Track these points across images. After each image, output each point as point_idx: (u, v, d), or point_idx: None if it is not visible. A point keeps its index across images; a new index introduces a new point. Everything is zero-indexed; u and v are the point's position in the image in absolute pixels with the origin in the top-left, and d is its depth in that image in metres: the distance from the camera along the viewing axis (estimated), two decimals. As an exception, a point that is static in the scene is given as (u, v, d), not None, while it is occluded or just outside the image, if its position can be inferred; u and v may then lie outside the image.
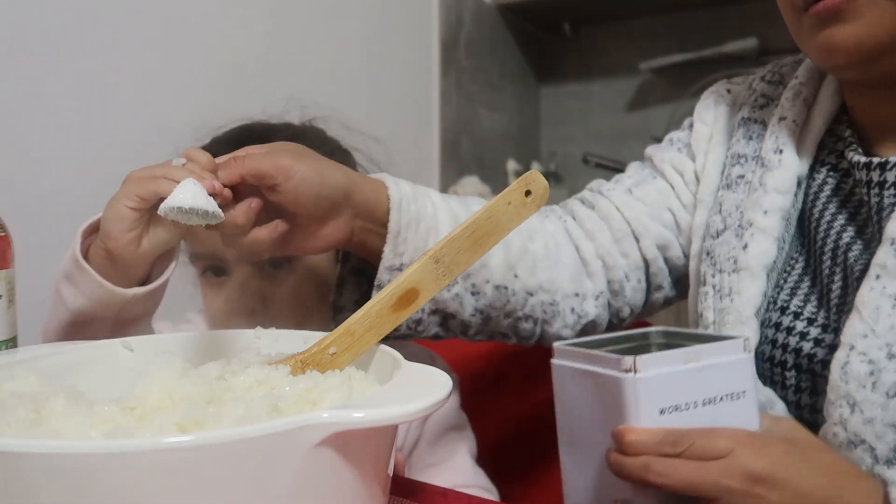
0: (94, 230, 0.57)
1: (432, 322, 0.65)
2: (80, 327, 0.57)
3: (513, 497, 0.81)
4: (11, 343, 0.54)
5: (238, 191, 0.54)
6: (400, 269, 0.61)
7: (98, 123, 1.08)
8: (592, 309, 0.71)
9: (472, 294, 0.65)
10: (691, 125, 0.74)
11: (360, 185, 0.59)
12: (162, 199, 0.50)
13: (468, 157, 1.96)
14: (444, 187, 1.86)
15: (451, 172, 1.89)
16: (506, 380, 1.01)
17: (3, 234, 0.53)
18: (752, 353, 0.48)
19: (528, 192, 0.51)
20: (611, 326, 0.75)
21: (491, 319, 0.67)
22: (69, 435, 0.36)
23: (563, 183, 2.22)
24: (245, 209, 0.54)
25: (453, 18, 1.88)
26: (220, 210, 0.50)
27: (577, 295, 0.70)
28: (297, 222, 0.58)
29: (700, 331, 0.50)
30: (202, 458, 0.30)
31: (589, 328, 0.72)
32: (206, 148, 0.75)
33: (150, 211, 0.53)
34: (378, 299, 0.49)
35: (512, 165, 2.11)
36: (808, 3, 0.54)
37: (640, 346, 0.52)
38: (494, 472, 0.80)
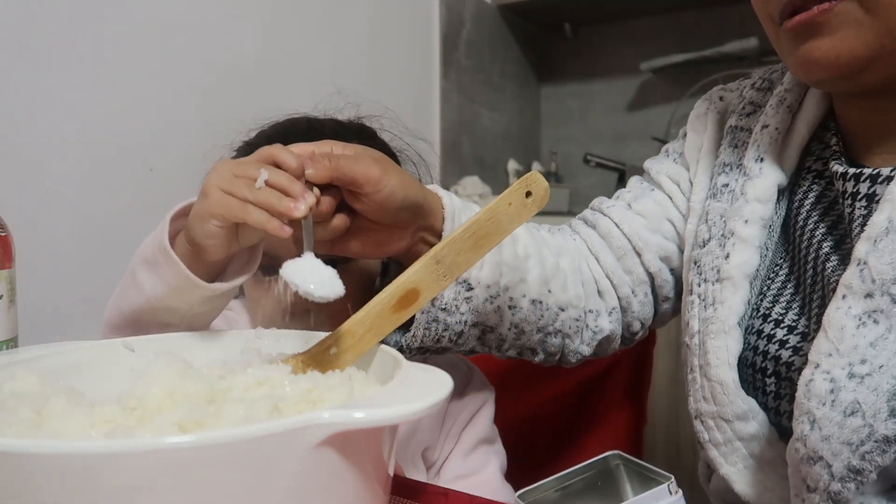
0: (181, 215, 0.55)
1: (472, 335, 0.65)
2: (153, 314, 0.56)
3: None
4: (12, 343, 0.54)
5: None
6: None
7: (98, 123, 1.08)
8: (607, 325, 0.72)
9: (510, 308, 0.65)
10: (685, 134, 0.75)
11: (430, 198, 0.60)
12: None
13: (469, 157, 1.96)
14: (445, 187, 1.85)
15: (452, 172, 1.89)
16: (506, 381, 1.01)
17: (3, 233, 0.53)
18: (680, 494, 0.48)
19: (528, 194, 0.51)
20: (623, 341, 0.76)
21: (524, 334, 0.67)
22: (70, 435, 0.36)
23: (563, 183, 2.22)
24: (329, 199, 0.54)
25: (454, 18, 1.88)
26: (342, 286, 0.49)
27: (591, 311, 0.71)
28: (363, 225, 0.58)
29: (648, 466, 0.50)
30: (203, 459, 0.30)
31: (604, 343, 0.73)
32: (253, 143, 0.75)
33: None
34: (379, 300, 0.49)
35: (513, 165, 2.11)
36: (783, 17, 0.54)
37: (601, 472, 0.52)
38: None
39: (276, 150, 0.51)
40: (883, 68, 0.52)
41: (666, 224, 0.72)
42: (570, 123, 2.31)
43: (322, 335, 0.49)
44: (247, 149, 0.77)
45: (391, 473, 0.41)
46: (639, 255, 0.72)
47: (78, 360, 0.49)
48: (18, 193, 0.98)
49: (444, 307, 0.62)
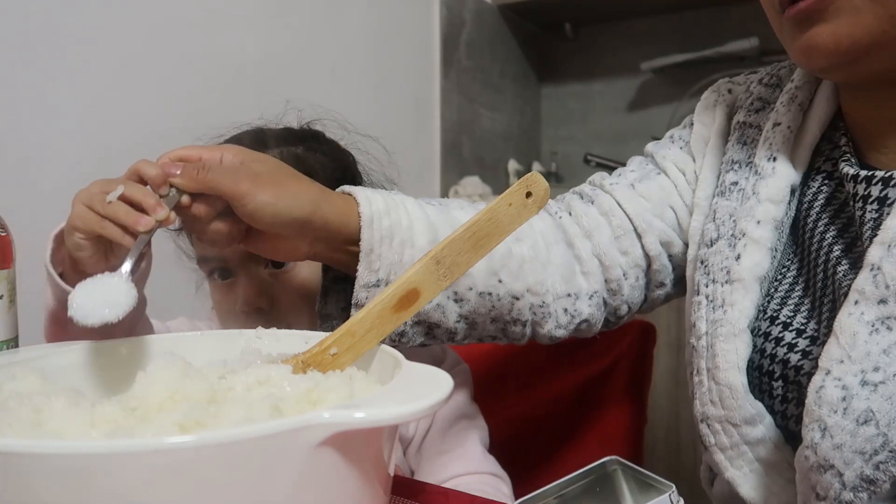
0: (62, 235, 0.56)
1: (417, 332, 0.64)
2: (60, 326, 0.57)
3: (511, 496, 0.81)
4: (12, 343, 0.54)
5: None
6: (377, 285, 0.60)
7: (98, 123, 1.08)
8: (586, 308, 0.69)
9: (455, 301, 0.63)
10: (692, 124, 0.73)
11: (323, 210, 0.58)
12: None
13: (469, 157, 1.96)
14: (445, 187, 1.86)
15: (452, 172, 1.89)
16: (505, 381, 1.01)
17: (3, 233, 0.53)
18: (681, 503, 0.47)
19: (528, 194, 0.51)
20: (607, 324, 0.73)
21: (477, 325, 0.66)
22: (70, 435, 0.36)
23: (564, 183, 2.22)
24: (207, 206, 0.55)
25: (454, 18, 1.88)
26: (131, 300, 0.47)
27: (569, 295, 0.68)
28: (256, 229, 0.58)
29: (647, 472, 0.50)
30: (203, 459, 0.30)
31: (583, 327, 0.71)
32: None
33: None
34: (379, 300, 0.49)
35: (513, 165, 2.11)
36: (783, 4, 0.53)
37: (599, 478, 0.52)
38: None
39: (139, 164, 0.53)
40: (886, 57, 0.51)
41: (668, 211, 0.70)
42: (571, 123, 2.31)
43: (322, 335, 0.49)
44: None
45: (391, 473, 0.41)
46: (640, 237, 0.69)
47: (78, 360, 0.49)
48: (18, 193, 0.98)
49: None
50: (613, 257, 0.69)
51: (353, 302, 0.61)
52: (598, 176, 0.75)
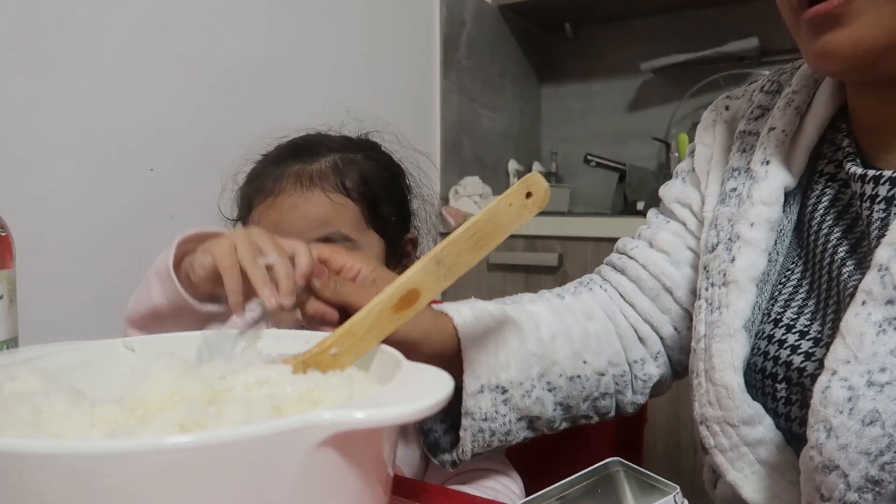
0: (194, 239, 0.61)
1: (520, 428, 0.67)
2: (158, 319, 0.63)
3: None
4: (12, 343, 0.54)
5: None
6: (481, 391, 0.64)
7: (98, 123, 1.08)
8: (655, 370, 0.73)
9: (549, 391, 0.67)
10: (693, 151, 0.74)
11: (432, 337, 0.61)
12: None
13: (469, 157, 1.96)
14: (446, 187, 1.86)
15: (453, 173, 1.89)
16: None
17: (3, 233, 0.53)
18: (685, 503, 0.47)
19: (528, 195, 0.51)
20: (676, 376, 0.76)
21: (571, 408, 0.69)
22: (70, 435, 0.36)
23: (564, 183, 2.22)
24: (321, 308, 0.58)
25: (454, 18, 1.88)
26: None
27: (636, 362, 0.72)
28: None
29: (650, 473, 0.49)
30: (203, 459, 0.30)
31: (656, 388, 0.74)
32: (270, 156, 0.81)
33: None
34: (379, 300, 0.49)
35: (513, 165, 2.11)
36: (802, 5, 0.53)
37: (601, 479, 0.52)
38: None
39: (301, 247, 0.57)
40: None
41: (686, 253, 0.71)
42: (571, 124, 2.31)
43: (322, 335, 0.49)
44: (264, 161, 0.82)
45: (392, 473, 0.41)
46: (670, 293, 0.72)
47: (78, 360, 0.49)
48: (19, 194, 0.98)
49: (485, 417, 0.64)
50: (659, 318, 0.72)
51: (462, 411, 0.64)
52: (622, 242, 0.78)
